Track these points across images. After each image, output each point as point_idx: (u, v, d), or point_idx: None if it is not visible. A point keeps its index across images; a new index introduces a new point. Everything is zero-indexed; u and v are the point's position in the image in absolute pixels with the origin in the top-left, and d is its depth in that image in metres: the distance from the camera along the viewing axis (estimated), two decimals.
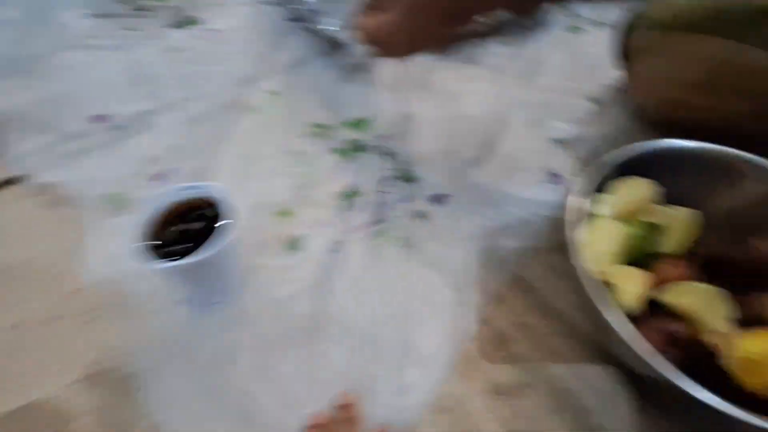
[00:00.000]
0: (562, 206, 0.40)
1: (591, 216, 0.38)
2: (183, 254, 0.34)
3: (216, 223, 0.37)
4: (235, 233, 0.36)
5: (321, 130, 0.56)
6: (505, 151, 0.55)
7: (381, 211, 0.49)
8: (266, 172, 0.52)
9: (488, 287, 0.44)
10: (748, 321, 0.36)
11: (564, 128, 0.57)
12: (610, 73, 0.60)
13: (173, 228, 0.37)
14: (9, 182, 0.52)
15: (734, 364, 0.33)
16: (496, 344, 0.41)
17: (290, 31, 0.66)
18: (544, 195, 0.50)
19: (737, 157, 0.38)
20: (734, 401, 0.32)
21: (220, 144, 0.55)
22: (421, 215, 0.49)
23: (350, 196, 0.50)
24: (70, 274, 0.44)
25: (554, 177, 0.53)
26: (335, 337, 0.40)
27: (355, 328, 0.41)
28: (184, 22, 0.69)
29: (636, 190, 0.38)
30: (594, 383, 0.39)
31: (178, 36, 0.67)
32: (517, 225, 0.48)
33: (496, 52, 0.66)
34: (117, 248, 0.44)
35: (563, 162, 0.54)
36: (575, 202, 0.37)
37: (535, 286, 0.44)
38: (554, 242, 0.45)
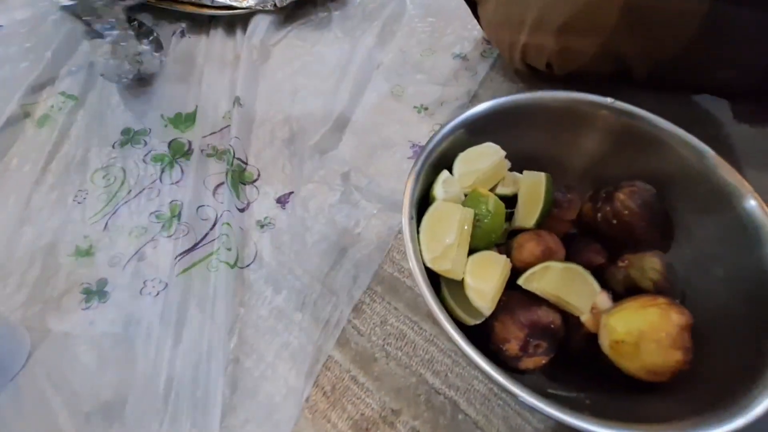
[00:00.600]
0: None
1: (432, 200, 0.31)
2: None
3: None
4: None
5: (132, 135, 0.45)
6: (360, 127, 0.47)
7: (215, 228, 0.39)
8: (59, 199, 0.41)
9: (343, 299, 0.36)
10: (621, 289, 0.31)
11: (427, 92, 0.50)
12: (476, 24, 0.54)
13: None
14: None
15: (608, 348, 0.28)
16: (357, 368, 0.34)
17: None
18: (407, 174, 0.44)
19: (586, 101, 0.33)
20: (622, 384, 0.29)
21: None
22: (263, 224, 0.40)
23: (172, 216, 0.40)
24: None
25: (420, 151, 0.46)
26: (149, 409, 0.31)
27: (176, 390, 0.32)
28: None
29: (480, 159, 0.32)
30: (475, 387, 0.33)
31: None
32: (376, 216, 0.40)
33: (346, 14, 0.57)
34: None
35: (429, 132, 0.47)
36: (410, 183, 0.30)
37: (401, 285, 0.37)
38: None
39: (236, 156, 0.42)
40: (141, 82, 0.49)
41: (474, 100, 0.50)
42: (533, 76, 0.48)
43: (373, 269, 0.37)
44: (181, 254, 0.37)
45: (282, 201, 0.41)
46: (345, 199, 0.41)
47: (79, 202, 0.40)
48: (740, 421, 0.23)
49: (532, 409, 0.31)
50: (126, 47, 0.45)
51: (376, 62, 0.53)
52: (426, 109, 0.49)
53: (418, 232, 0.29)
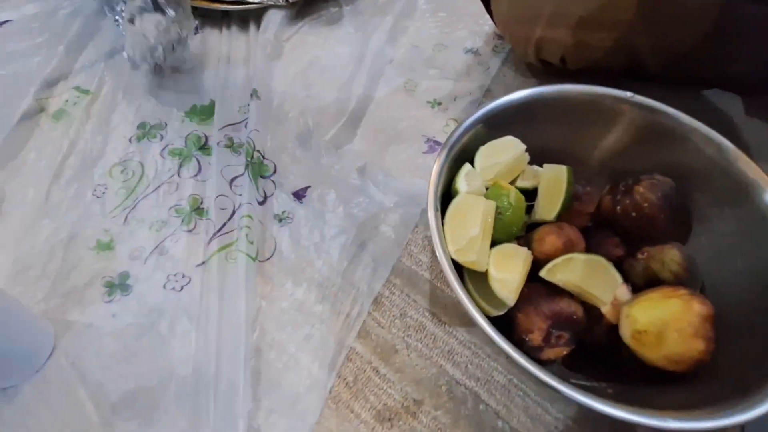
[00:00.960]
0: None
1: (455, 193, 0.31)
2: None
3: None
4: None
5: (149, 130, 0.45)
6: (375, 122, 0.47)
7: (233, 220, 0.39)
8: (78, 193, 0.41)
9: (363, 291, 0.36)
10: (641, 281, 0.32)
11: (440, 87, 0.50)
12: (489, 19, 0.54)
13: None
14: None
15: (630, 339, 0.28)
16: (379, 359, 0.34)
17: (99, 13, 0.53)
18: (423, 168, 0.44)
19: (606, 95, 0.33)
20: (641, 375, 0.29)
21: (12, 165, 0.42)
22: (281, 217, 0.40)
23: (191, 210, 0.40)
24: None
25: (435, 145, 0.46)
26: (174, 399, 0.31)
27: (200, 382, 0.32)
28: None
29: (501, 153, 0.32)
30: (496, 378, 0.33)
31: None
32: (393, 209, 0.41)
33: (357, 9, 0.57)
34: None
35: (443, 126, 0.47)
36: (434, 177, 0.30)
37: (420, 277, 0.38)
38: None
39: (255, 149, 0.42)
40: (158, 70, 0.49)
41: (487, 94, 0.50)
42: (546, 70, 0.48)
43: (391, 262, 0.38)
44: (204, 251, 0.37)
45: (299, 195, 0.41)
46: (362, 192, 0.42)
47: (98, 197, 0.40)
48: (758, 411, 0.23)
49: (552, 398, 0.32)
50: (175, 31, 0.44)
51: (389, 57, 0.53)
52: (439, 104, 0.49)
53: (442, 224, 0.30)
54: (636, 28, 0.39)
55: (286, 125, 0.46)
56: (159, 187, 0.41)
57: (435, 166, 0.31)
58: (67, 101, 0.47)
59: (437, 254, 0.27)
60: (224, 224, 0.39)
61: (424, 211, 0.40)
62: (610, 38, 0.40)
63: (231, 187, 0.41)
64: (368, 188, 0.42)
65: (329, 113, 0.47)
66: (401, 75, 0.51)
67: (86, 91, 0.48)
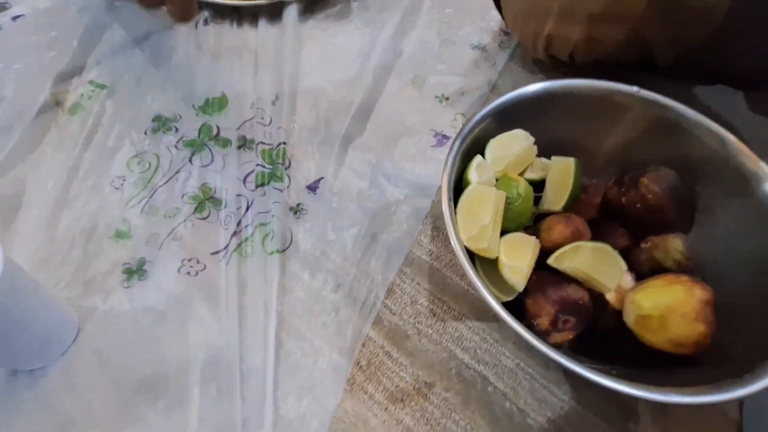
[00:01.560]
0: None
1: (467, 184, 0.32)
2: None
3: None
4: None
5: (164, 122, 0.46)
6: (384, 116, 0.48)
7: (247, 214, 0.41)
8: (96, 185, 0.42)
9: (377, 281, 0.38)
10: (646, 269, 0.33)
11: (447, 82, 0.51)
12: (495, 15, 0.55)
13: None
14: None
15: (634, 323, 0.30)
16: (391, 344, 0.35)
17: (110, 8, 0.54)
18: (432, 161, 0.45)
19: (613, 90, 0.34)
20: (644, 359, 0.30)
21: (31, 158, 0.43)
22: (296, 210, 0.41)
23: (204, 198, 0.41)
24: None
25: (443, 139, 0.47)
26: (195, 382, 0.33)
27: (220, 365, 0.33)
28: None
29: (510, 145, 0.33)
30: (503, 363, 0.35)
31: None
32: (404, 201, 0.42)
33: (365, 5, 0.58)
34: None
35: (451, 120, 0.48)
36: (447, 169, 0.31)
37: (430, 267, 0.39)
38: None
39: (281, 142, 0.44)
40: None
41: (494, 89, 0.51)
42: (553, 65, 0.49)
43: (403, 253, 0.39)
44: (220, 239, 0.38)
45: (313, 187, 0.42)
46: (373, 185, 0.43)
47: (116, 188, 0.41)
48: (756, 386, 0.25)
49: (558, 381, 0.34)
50: None
51: (397, 52, 0.54)
52: (447, 98, 0.50)
53: (454, 214, 0.31)
54: (646, 21, 0.39)
55: (297, 119, 0.47)
56: (173, 176, 0.43)
57: (448, 157, 0.32)
58: (82, 95, 0.48)
59: (451, 242, 0.28)
60: (243, 215, 0.40)
61: (434, 203, 0.42)
62: (620, 33, 0.41)
63: (245, 183, 0.42)
64: (379, 180, 0.43)
65: (339, 107, 0.48)
66: (410, 70, 0.52)
67: (102, 86, 0.48)
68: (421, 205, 0.42)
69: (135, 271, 0.37)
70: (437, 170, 0.44)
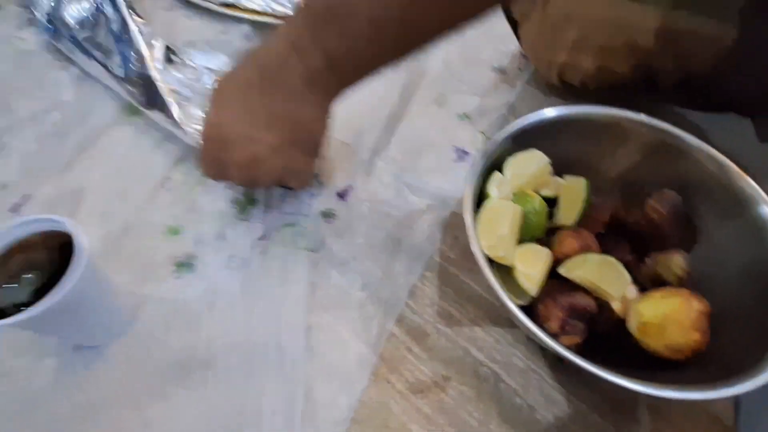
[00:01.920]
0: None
1: (486, 197, 0.36)
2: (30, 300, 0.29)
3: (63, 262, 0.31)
4: (84, 272, 0.31)
5: None
6: (408, 131, 0.52)
7: (282, 216, 0.45)
8: (151, 186, 0.46)
9: (400, 284, 0.41)
10: (648, 282, 0.36)
11: (468, 102, 0.55)
12: (514, 39, 0.59)
13: (15, 271, 0.31)
14: None
15: (636, 330, 0.33)
16: (412, 341, 0.39)
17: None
18: (452, 175, 0.49)
19: (621, 117, 0.38)
20: (644, 364, 0.33)
21: (86, 160, 0.48)
22: (327, 214, 0.45)
23: (246, 203, 0.45)
24: None
25: (463, 154, 0.51)
26: (237, 364, 0.36)
27: (258, 350, 0.37)
28: (36, 19, 0.59)
29: (528, 164, 0.37)
30: (515, 363, 0.38)
31: (27, 36, 0.58)
32: (426, 211, 0.46)
33: None
34: None
35: (470, 137, 0.52)
36: (470, 183, 0.35)
37: (449, 272, 0.42)
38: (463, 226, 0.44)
39: None
40: None
41: (512, 111, 0.55)
42: (566, 90, 0.53)
43: (425, 259, 0.43)
44: (259, 238, 0.43)
45: (343, 194, 0.46)
46: (397, 194, 0.47)
47: (168, 190, 0.46)
48: (749, 385, 0.28)
49: (565, 380, 0.37)
50: None
51: (422, 73, 0.58)
52: (468, 117, 0.54)
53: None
54: (655, 54, 0.43)
55: (332, 132, 0.51)
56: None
57: (471, 173, 0.35)
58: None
59: (472, 249, 0.32)
60: (279, 215, 0.44)
61: (453, 214, 0.46)
62: (629, 64, 0.44)
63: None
64: (403, 191, 0.47)
65: (369, 122, 0.52)
66: (432, 89, 0.56)
67: None
68: (441, 215, 0.45)
69: (184, 264, 0.41)
70: (457, 183, 0.48)
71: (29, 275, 0.31)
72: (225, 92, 0.38)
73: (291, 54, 0.34)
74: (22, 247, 0.32)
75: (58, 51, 0.56)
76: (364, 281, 0.41)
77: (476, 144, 0.52)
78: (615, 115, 0.38)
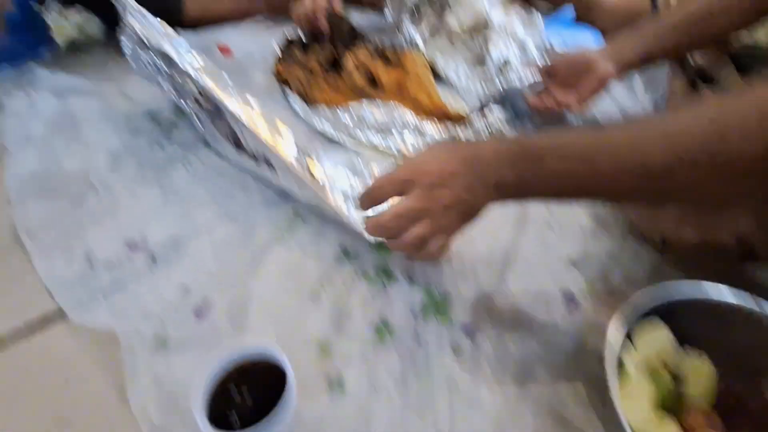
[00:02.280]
0: (581, 335, 0.48)
1: (621, 367, 0.41)
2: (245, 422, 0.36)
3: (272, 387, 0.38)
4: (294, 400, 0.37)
5: (349, 252, 0.59)
6: (520, 271, 0.58)
7: (415, 346, 0.50)
8: (301, 302, 0.54)
9: (525, 426, 0.45)
10: None
11: (571, 246, 0.61)
12: None
13: (231, 394, 0.39)
14: (46, 320, 0.52)
15: None
16: None
17: None
18: (563, 320, 0.54)
19: (738, 300, 0.43)
20: None
21: (253, 270, 0.57)
22: (456, 349, 0.51)
23: (383, 328, 0.52)
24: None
25: (571, 300, 0.56)
26: None
27: None
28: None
29: (657, 340, 0.42)
30: None
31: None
32: (545, 357, 0.50)
33: None
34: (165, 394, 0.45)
35: (576, 282, 0.58)
36: (611, 351, 0.40)
37: (572, 424, 0.46)
38: (583, 376, 0.47)
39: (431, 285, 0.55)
40: None
41: (611, 259, 0.60)
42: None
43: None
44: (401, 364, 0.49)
45: (469, 331, 0.52)
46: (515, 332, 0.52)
47: (313, 301, 0.54)
48: None
49: None
50: None
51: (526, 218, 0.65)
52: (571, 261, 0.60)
53: None
54: (755, 234, 0.49)
55: (455, 265, 0.58)
56: (356, 305, 0.54)
57: (608, 350, 0.40)
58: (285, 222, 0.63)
59: (621, 422, 0.36)
60: (413, 342, 0.50)
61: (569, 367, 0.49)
62: (732, 237, 0.50)
63: (415, 317, 0.53)
64: (522, 332, 0.52)
65: (480, 260, 0.59)
66: (538, 233, 0.63)
67: (298, 215, 0.63)
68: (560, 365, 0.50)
69: (335, 383, 0.47)
70: (570, 328, 0.52)
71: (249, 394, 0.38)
72: (433, 147, 0.48)
73: (493, 160, 0.44)
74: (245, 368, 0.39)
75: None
76: (494, 423, 0.45)
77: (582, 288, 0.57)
78: (732, 304, 0.43)
